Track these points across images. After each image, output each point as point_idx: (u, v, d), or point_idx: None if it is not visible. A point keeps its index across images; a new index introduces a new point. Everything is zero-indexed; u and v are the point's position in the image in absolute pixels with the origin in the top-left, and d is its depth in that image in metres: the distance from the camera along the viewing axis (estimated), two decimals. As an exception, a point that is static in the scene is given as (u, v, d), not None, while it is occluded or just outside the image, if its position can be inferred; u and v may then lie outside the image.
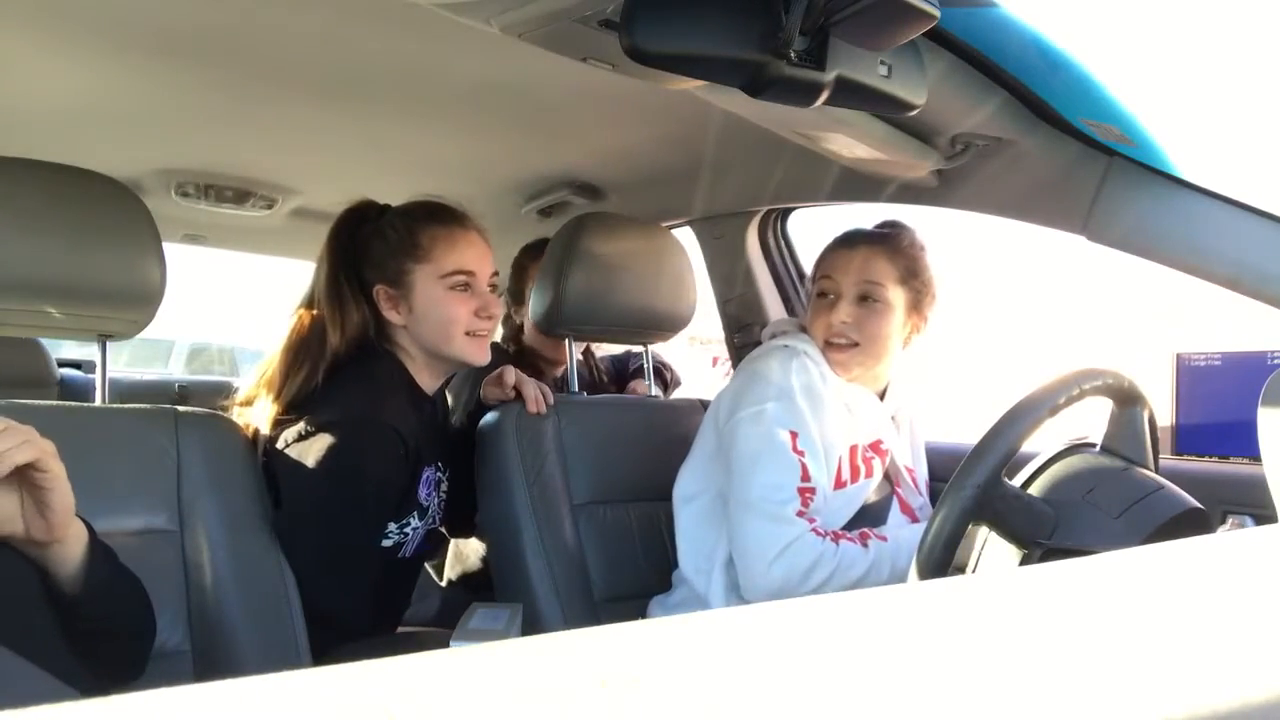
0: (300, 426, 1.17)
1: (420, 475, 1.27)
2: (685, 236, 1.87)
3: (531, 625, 1.27)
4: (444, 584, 1.79)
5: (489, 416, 1.41)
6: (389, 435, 1.18)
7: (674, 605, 1.35)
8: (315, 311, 1.26)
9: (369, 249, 1.27)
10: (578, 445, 1.43)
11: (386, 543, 1.24)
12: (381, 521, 1.22)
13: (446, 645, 0.73)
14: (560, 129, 1.51)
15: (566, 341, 1.57)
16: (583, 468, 1.42)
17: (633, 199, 1.83)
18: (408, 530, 1.25)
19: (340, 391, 1.20)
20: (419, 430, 1.25)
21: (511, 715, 0.19)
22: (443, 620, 1.68)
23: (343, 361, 1.23)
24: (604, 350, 2.16)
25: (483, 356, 1.28)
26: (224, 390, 1.50)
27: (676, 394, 1.99)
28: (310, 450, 1.15)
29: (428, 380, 1.31)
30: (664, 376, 2.00)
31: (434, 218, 1.27)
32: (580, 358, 1.92)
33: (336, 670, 0.22)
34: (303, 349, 1.22)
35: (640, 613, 1.36)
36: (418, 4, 0.81)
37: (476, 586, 1.66)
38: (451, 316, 1.24)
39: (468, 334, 1.25)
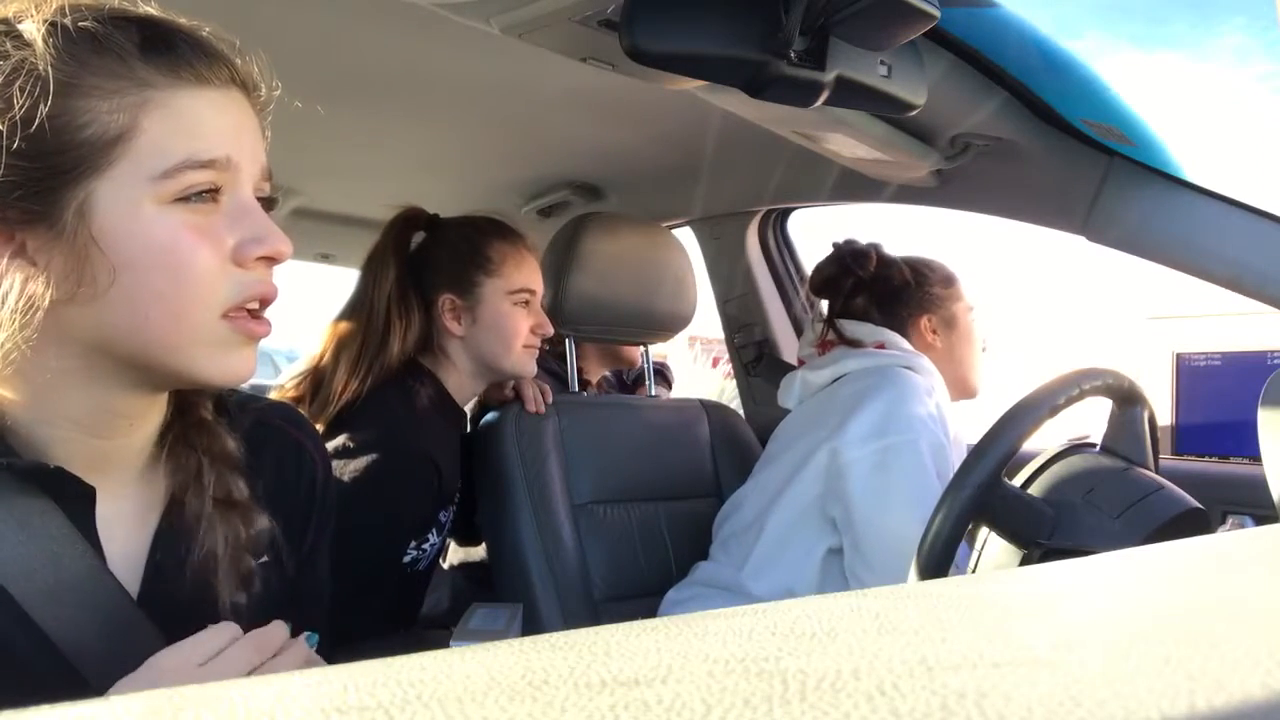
0: (341, 441, 1.15)
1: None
2: (685, 236, 1.87)
3: (531, 625, 1.26)
4: (445, 566, 1.79)
5: (489, 416, 1.41)
6: (428, 468, 1.19)
7: (688, 600, 1.35)
8: (361, 320, 1.24)
9: (432, 259, 1.29)
10: (578, 445, 1.43)
11: (404, 559, 1.23)
12: (404, 544, 1.22)
13: (446, 645, 0.73)
14: (560, 129, 1.51)
15: (567, 341, 1.57)
16: (583, 468, 1.43)
17: (633, 199, 1.83)
18: (425, 547, 1.25)
19: (385, 412, 1.19)
20: (451, 455, 1.26)
21: (511, 715, 0.19)
22: (447, 618, 1.67)
23: (387, 377, 1.22)
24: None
25: (533, 369, 1.33)
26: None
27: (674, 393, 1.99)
28: (347, 469, 1.14)
29: (467, 393, 1.33)
30: (666, 376, 2.03)
31: (500, 234, 1.31)
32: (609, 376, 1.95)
33: (335, 670, 0.22)
34: (361, 359, 1.21)
35: (640, 612, 1.36)
36: (418, 4, 0.81)
37: (479, 577, 1.66)
38: (516, 330, 1.28)
39: (524, 348, 1.30)
